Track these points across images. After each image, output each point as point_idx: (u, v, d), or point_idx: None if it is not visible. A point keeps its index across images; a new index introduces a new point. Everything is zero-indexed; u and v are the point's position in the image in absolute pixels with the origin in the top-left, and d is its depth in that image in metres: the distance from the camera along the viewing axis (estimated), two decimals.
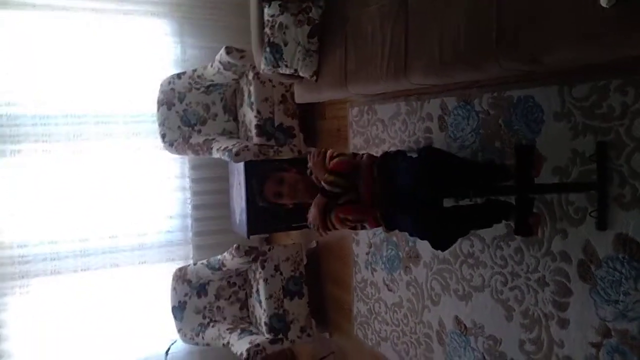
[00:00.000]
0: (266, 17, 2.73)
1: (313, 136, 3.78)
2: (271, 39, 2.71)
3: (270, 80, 3.55)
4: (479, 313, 2.43)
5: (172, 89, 3.89)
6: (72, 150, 3.93)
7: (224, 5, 4.10)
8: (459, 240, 2.45)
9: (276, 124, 3.63)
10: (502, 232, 2.24)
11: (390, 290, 3.11)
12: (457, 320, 2.56)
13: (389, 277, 3.10)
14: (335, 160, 1.94)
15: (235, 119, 4.02)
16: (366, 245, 3.27)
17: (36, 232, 3.86)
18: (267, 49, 2.74)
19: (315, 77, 2.77)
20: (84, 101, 3.95)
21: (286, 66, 2.75)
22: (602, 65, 1.73)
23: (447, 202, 1.96)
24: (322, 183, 1.90)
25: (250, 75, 3.57)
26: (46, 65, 3.80)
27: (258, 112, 3.57)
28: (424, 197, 1.71)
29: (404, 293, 2.97)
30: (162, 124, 3.92)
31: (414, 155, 1.89)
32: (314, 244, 3.92)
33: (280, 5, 2.68)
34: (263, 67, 2.83)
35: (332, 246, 3.74)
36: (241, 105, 3.89)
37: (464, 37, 1.73)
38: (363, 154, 2.01)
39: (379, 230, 3.10)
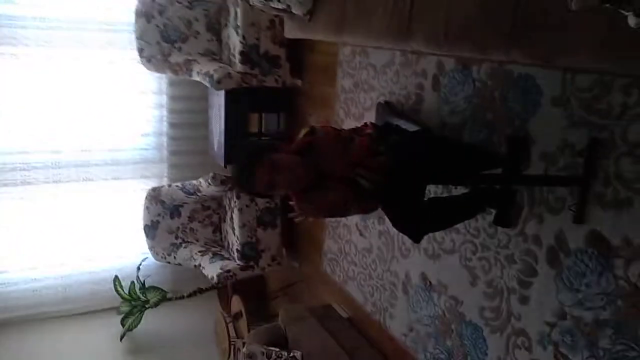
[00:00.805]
0: None
1: (300, 68, 3.62)
2: None
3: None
4: (445, 274, 2.52)
5: (153, 0, 3.60)
6: (43, 56, 3.69)
7: None
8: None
9: (262, 52, 3.45)
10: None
11: (362, 235, 3.17)
12: (423, 277, 2.66)
13: (362, 224, 3.15)
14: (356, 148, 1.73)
15: (219, 40, 3.79)
16: None
17: (5, 141, 3.72)
18: None
19: (308, 17, 2.58)
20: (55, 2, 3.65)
21: (278, 0, 2.55)
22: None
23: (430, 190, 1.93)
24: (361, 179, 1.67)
25: None
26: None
27: (243, 37, 3.37)
28: (403, 188, 1.67)
29: (375, 241, 3.04)
30: (140, 37, 3.67)
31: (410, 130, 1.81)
32: None
33: None
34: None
35: None
36: (226, 25, 3.65)
37: (474, 19, 1.61)
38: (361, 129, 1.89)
39: None
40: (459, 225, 2.37)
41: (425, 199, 1.83)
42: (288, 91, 3.69)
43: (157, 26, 3.66)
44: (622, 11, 1.12)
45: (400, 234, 1.98)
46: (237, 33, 3.39)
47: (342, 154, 1.65)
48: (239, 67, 3.42)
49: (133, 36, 3.66)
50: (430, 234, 2.54)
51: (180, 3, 3.62)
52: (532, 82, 1.99)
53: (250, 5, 3.29)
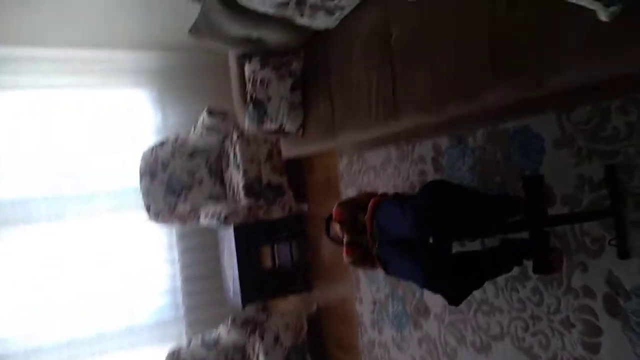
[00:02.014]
0: (247, 74, 2.69)
1: (303, 191, 3.66)
2: (254, 96, 2.66)
3: (255, 139, 3.48)
4: None
5: (155, 158, 3.79)
6: (54, 230, 3.76)
7: (202, 68, 4.08)
8: None
9: (264, 183, 3.52)
10: (514, 272, 2.10)
11: (400, 349, 2.88)
12: None
13: (399, 336, 2.88)
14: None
15: (222, 183, 3.90)
16: (370, 302, 3.08)
17: (15, 326, 3.60)
18: (251, 106, 2.68)
19: (301, 131, 2.69)
20: (65, 181, 3.83)
21: (271, 121, 2.68)
22: (597, 86, 1.67)
23: (455, 246, 1.83)
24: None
25: (234, 136, 3.50)
26: (25, 145, 3.70)
27: (245, 172, 3.46)
28: (431, 242, 1.58)
29: (416, 351, 2.75)
30: (145, 194, 3.78)
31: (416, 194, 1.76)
32: (314, 308, 3.70)
33: (260, 61, 2.64)
34: (248, 124, 2.75)
35: (334, 308, 3.53)
36: (227, 167, 3.79)
37: (456, 73, 1.67)
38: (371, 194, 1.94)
39: (383, 285, 2.93)
40: (502, 303, 2.17)
41: (454, 253, 1.70)
42: (296, 218, 3.68)
43: (162, 181, 3.79)
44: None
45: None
46: (238, 170, 3.50)
47: None
48: (244, 201, 3.46)
49: (139, 198, 3.77)
50: (473, 323, 2.32)
51: (181, 156, 3.81)
52: (530, 133, 1.98)
53: (245, 137, 3.47)
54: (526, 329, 2.09)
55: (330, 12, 2.19)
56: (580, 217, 1.73)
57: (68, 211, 3.81)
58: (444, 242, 1.61)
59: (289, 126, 2.67)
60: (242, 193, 3.48)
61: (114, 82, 3.97)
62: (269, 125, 2.71)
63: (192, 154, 3.81)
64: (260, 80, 2.63)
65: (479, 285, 1.71)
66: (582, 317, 1.85)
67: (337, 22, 2.30)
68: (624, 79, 1.63)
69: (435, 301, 2.56)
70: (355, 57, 2.21)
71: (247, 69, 2.68)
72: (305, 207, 3.64)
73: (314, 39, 2.55)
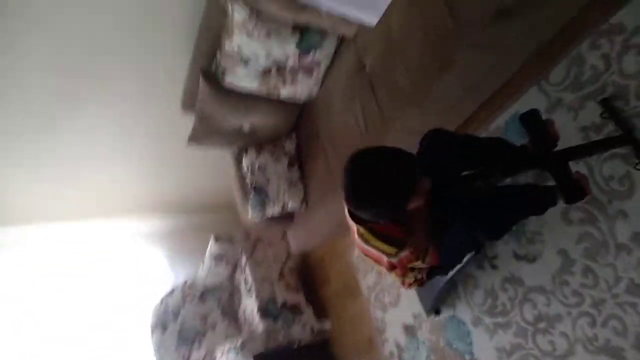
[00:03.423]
0: (245, 167, 2.79)
1: (323, 306, 3.40)
2: (254, 184, 2.71)
3: (264, 259, 3.39)
4: None
5: (165, 308, 3.61)
6: None
7: (208, 227, 4.17)
8: (520, 310, 2.02)
9: (280, 303, 3.29)
10: (557, 264, 1.88)
11: None
12: None
13: None
14: None
15: (236, 321, 3.64)
16: None
17: None
18: (252, 194, 2.71)
19: (304, 205, 2.67)
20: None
21: (274, 204, 2.68)
22: (558, 39, 1.79)
23: None
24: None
25: (243, 260, 3.42)
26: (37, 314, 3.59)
27: (257, 293, 3.28)
28: (454, 182, 1.45)
29: None
30: (157, 350, 3.50)
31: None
32: None
33: (256, 150, 2.77)
34: (251, 214, 2.74)
35: None
36: (239, 303, 3.59)
37: (432, 52, 1.79)
38: None
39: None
40: (557, 308, 1.88)
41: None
42: (321, 342, 3.34)
43: (174, 332, 3.54)
44: None
45: None
46: (250, 294, 3.32)
47: None
48: (260, 326, 3.18)
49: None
50: (536, 351, 1.96)
51: (191, 301, 3.63)
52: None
53: (254, 258, 3.37)
54: (593, 323, 1.77)
55: (309, 71, 2.41)
56: (596, 144, 1.65)
57: None
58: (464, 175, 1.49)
59: (291, 204, 2.66)
60: (257, 317, 3.24)
61: (121, 247, 4.04)
62: (273, 209, 2.70)
63: (203, 295, 3.64)
64: (258, 167, 2.72)
65: (515, 219, 1.52)
66: None
67: (318, 85, 2.51)
68: (581, 22, 1.76)
69: (488, 357, 2.19)
70: (338, 103, 2.35)
71: (245, 161, 2.80)
72: (327, 324, 3.34)
73: (301, 117, 2.74)
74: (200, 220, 4.26)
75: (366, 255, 1.53)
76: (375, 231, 1.42)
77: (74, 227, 3.94)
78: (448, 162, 1.49)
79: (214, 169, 3.79)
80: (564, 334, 1.87)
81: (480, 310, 2.23)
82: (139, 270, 4.02)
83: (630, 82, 1.65)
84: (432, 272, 1.64)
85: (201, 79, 2.48)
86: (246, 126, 2.73)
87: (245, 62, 2.33)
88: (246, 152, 2.80)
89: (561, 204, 1.60)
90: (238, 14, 2.14)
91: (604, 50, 1.72)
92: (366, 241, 1.45)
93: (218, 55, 2.43)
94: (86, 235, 4.01)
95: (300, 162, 2.73)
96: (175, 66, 2.69)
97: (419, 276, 1.61)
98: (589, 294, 1.78)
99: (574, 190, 1.52)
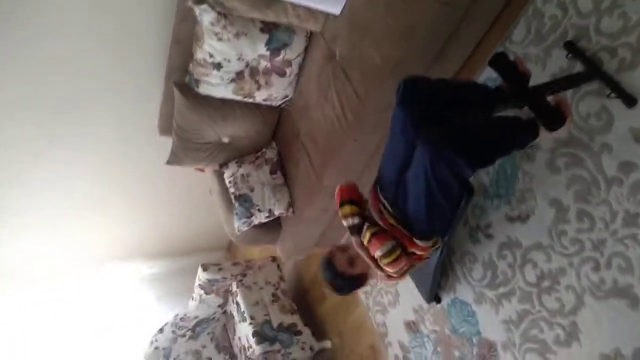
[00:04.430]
0: (227, 180, 2.75)
1: (322, 325, 3.25)
2: (237, 193, 2.66)
3: (256, 283, 3.28)
4: (598, 334, 1.73)
5: (156, 349, 3.43)
6: None
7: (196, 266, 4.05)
8: (521, 274, 1.97)
9: (275, 326, 3.15)
10: (550, 216, 1.85)
11: None
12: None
13: None
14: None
15: (232, 355, 3.46)
16: None
17: None
18: (237, 204, 2.66)
19: (291, 209, 2.62)
20: None
21: (259, 210, 2.62)
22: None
23: None
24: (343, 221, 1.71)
25: (234, 287, 3.30)
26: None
27: (252, 318, 3.13)
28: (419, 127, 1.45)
29: None
30: None
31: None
32: None
33: (237, 163, 2.75)
34: (237, 225, 2.67)
35: None
36: (234, 334, 3.42)
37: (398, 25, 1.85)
38: None
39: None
40: (559, 261, 1.84)
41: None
42: None
43: None
44: None
45: None
46: (244, 320, 3.17)
47: None
48: (257, 350, 3.02)
49: None
50: (544, 312, 1.89)
51: (183, 336, 3.46)
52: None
53: (246, 288, 3.26)
54: (597, 267, 1.72)
55: (281, 72, 2.44)
56: (567, 79, 1.67)
57: None
58: (438, 116, 1.48)
59: (277, 209, 2.61)
60: (253, 342, 3.08)
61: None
62: (259, 217, 2.64)
63: (195, 328, 3.48)
64: (240, 177, 2.68)
65: (496, 146, 1.49)
66: None
67: (293, 86, 2.53)
68: None
69: (497, 332, 2.10)
70: (314, 97, 2.36)
71: (226, 175, 2.76)
72: (327, 343, 3.19)
73: (280, 123, 2.74)
74: (191, 261, 4.16)
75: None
76: None
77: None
78: (428, 114, 1.49)
79: (201, 209, 3.76)
80: (569, 287, 1.81)
81: (481, 286, 2.16)
82: (129, 314, 3.88)
83: (589, 20, 1.70)
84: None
85: (175, 92, 2.49)
86: (225, 138, 2.71)
87: (218, 67, 2.35)
88: (227, 166, 2.77)
89: (545, 140, 1.59)
90: (206, 18, 2.18)
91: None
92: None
93: (190, 67, 2.45)
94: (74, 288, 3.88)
95: (283, 168, 2.70)
96: (152, 100, 2.71)
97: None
98: (587, 238, 1.75)
99: (554, 116, 1.53)
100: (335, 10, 2.17)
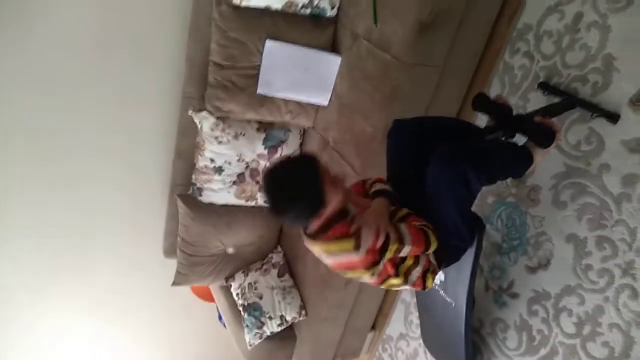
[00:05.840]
0: (234, 292, 2.65)
1: None
2: (245, 303, 2.55)
3: None
4: None
5: None
6: None
7: None
8: (558, 327, 1.80)
9: None
10: (570, 253, 1.75)
11: None
12: None
13: None
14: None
15: None
16: None
17: None
18: (245, 315, 2.52)
19: (304, 311, 2.48)
20: None
21: (270, 318, 2.47)
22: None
23: None
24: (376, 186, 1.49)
25: None
26: None
27: None
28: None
29: None
30: None
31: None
32: None
33: (243, 272, 2.68)
34: (248, 339, 2.49)
35: None
36: None
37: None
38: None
39: None
40: (595, 298, 1.68)
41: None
42: None
43: None
44: None
45: None
46: None
47: None
48: None
49: None
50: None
51: None
52: None
53: None
54: (634, 293, 1.57)
55: None
56: (550, 107, 1.71)
57: None
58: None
59: (289, 313, 2.46)
60: None
61: None
62: (271, 326, 2.47)
63: None
64: (248, 286, 2.59)
65: (500, 163, 1.45)
66: None
67: None
68: (496, 39, 2.02)
69: None
70: None
71: (233, 287, 2.67)
72: None
73: (283, 226, 2.74)
74: None
75: (341, 268, 1.41)
76: (328, 238, 1.35)
77: None
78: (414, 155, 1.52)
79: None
80: (612, 325, 1.64)
81: (519, 355, 1.94)
82: None
83: (554, 59, 1.83)
84: (440, 259, 1.49)
85: (179, 203, 2.54)
86: (230, 248, 2.69)
87: (219, 171, 2.45)
88: (233, 278, 2.69)
89: (543, 178, 1.59)
90: (206, 124, 2.34)
91: (523, 49, 1.95)
92: (329, 253, 1.36)
93: (193, 177, 2.55)
94: None
95: (290, 270, 2.62)
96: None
97: (415, 270, 1.45)
98: (614, 264, 1.63)
99: (544, 132, 1.55)
100: (323, 101, 2.34)
